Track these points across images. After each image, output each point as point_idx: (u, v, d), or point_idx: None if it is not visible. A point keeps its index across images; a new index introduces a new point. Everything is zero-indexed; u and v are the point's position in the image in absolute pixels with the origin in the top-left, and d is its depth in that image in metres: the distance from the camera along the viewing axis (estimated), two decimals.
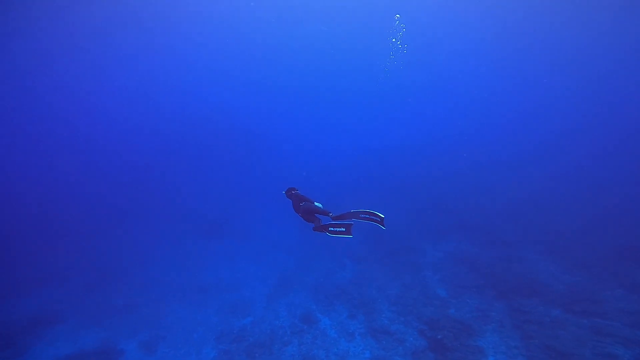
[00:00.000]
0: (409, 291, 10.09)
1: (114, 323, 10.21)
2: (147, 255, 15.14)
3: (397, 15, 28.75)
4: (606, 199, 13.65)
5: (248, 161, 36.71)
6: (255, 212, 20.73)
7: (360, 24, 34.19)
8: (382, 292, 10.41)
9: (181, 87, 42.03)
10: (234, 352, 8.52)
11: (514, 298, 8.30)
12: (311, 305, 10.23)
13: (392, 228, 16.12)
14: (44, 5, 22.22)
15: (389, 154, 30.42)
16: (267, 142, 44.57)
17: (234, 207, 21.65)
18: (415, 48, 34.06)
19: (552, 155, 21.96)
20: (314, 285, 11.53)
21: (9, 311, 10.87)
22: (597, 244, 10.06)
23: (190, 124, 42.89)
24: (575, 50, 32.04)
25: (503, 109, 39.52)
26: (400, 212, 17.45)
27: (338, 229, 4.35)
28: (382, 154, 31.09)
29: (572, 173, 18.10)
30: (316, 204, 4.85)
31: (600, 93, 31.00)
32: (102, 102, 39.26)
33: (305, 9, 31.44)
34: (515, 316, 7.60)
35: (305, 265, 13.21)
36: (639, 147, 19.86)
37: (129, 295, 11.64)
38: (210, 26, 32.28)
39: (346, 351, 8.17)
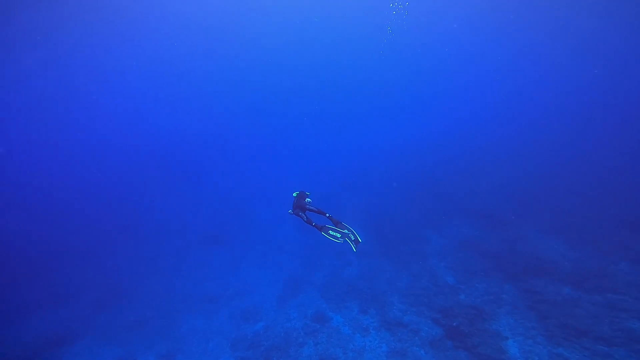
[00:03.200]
0: (417, 281, 9.81)
1: (128, 338, 9.79)
2: (153, 269, 14.60)
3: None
4: (605, 173, 13.31)
5: (245, 166, 35.96)
6: (255, 217, 20.24)
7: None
8: (391, 284, 10.12)
9: (176, 94, 40.88)
10: (252, 358, 8.16)
11: (523, 279, 8.05)
12: (321, 304, 9.90)
13: (391, 218, 15.80)
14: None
15: (382, 145, 29.99)
16: (262, 145, 43.71)
17: (233, 214, 21.12)
18: (405, 37, 32.78)
19: (545, 133, 21.48)
20: (321, 284, 11.20)
21: (22, 333, 10.45)
22: (599, 217, 9.80)
23: (185, 131, 41.79)
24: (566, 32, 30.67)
25: (495, 90, 38.87)
26: (398, 202, 17.15)
27: (333, 234, 4.86)
28: (374, 146, 30.60)
29: (567, 149, 17.68)
30: (294, 194, 5.27)
31: (599, 72, 30.11)
32: (104, 126, 38.22)
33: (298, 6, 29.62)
34: (527, 297, 7.35)
35: (310, 265, 12.84)
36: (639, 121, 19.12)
37: (139, 310, 11.17)
38: (203, 30, 30.83)
39: (362, 347, 7.88)
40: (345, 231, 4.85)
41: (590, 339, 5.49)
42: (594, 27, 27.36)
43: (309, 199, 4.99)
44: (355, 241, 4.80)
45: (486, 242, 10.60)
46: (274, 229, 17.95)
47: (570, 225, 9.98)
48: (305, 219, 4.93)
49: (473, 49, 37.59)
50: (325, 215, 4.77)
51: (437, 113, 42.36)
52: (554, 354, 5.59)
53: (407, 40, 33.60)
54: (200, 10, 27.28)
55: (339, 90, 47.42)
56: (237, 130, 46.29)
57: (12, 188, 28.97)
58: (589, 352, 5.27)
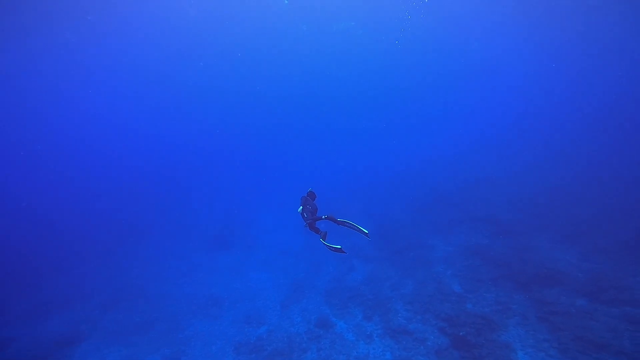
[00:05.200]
0: (423, 288, 9.41)
1: (134, 340, 9.71)
2: (158, 271, 14.59)
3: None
4: (619, 181, 12.58)
5: (250, 171, 35.88)
6: (259, 221, 20.18)
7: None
8: (396, 291, 9.75)
9: (182, 99, 40.03)
10: None
11: (534, 289, 7.58)
12: (325, 310, 9.61)
13: (396, 225, 15.48)
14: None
15: (388, 152, 29.65)
16: (269, 149, 43.58)
17: (238, 218, 21.11)
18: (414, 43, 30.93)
19: (557, 140, 20.62)
20: (325, 289, 10.91)
21: (36, 333, 10.56)
22: (614, 228, 9.19)
23: (192, 136, 41.82)
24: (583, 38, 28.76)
25: (505, 97, 37.28)
26: (404, 208, 16.80)
27: (331, 245, 4.64)
28: (380, 152, 30.23)
29: (579, 156, 16.86)
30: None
31: (612, 80, 28.72)
32: (114, 131, 39.16)
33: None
34: (538, 308, 6.89)
35: (314, 270, 12.59)
36: None
37: (145, 312, 11.11)
38: (214, 32, 29.48)
39: (366, 354, 7.52)
40: (348, 223, 4.70)
41: (609, 354, 5.04)
42: (617, 31, 25.90)
43: (300, 207, 4.81)
44: (360, 231, 4.61)
45: (494, 250, 10.14)
46: (278, 233, 17.83)
47: (582, 235, 9.44)
48: (309, 229, 4.81)
49: (487, 56, 35.91)
50: (322, 218, 4.61)
51: (446, 121, 41.47)
52: None
53: (423, 42, 31.45)
54: (204, 11, 26.21)
55: (347, 96, 46.27)
56: (243, 136, 46.51)
57: (22, 194, 29.44)
58: None
